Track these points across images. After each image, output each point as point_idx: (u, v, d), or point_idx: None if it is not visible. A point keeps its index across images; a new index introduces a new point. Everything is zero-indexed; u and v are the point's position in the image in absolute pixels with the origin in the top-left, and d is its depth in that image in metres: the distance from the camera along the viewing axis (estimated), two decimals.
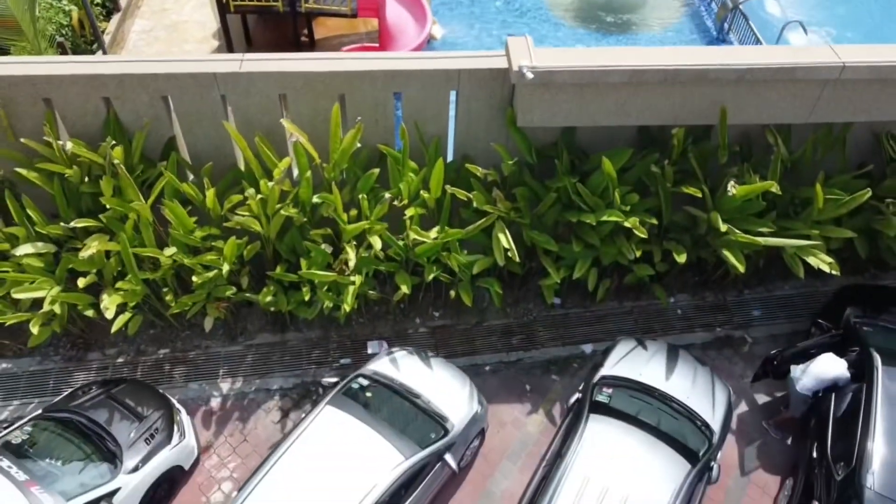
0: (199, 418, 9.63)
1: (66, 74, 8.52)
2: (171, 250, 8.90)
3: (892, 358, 8.78)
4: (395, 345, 10.09)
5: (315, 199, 9.06)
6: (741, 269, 8.97)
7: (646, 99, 8.71)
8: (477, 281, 9.91)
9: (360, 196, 9.02)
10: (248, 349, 10.35)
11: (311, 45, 14.92)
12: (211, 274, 8.96)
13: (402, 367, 9.18)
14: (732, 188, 8.85)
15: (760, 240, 8.83)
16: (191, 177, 9.65)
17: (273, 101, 8.98)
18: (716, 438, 8.59)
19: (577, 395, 9.33)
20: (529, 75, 8.14)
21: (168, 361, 10.16)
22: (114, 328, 8.86)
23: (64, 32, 13.80)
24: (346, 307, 8.91)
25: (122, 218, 8.90)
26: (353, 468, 7.92)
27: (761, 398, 10.09)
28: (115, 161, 8.52)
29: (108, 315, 8.68)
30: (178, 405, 9.23)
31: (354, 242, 9.09)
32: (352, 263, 8.92)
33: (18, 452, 8.03)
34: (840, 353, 8.97)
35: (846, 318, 9.54)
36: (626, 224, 8.89)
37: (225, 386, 9.95)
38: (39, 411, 8.68)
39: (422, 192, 9.15)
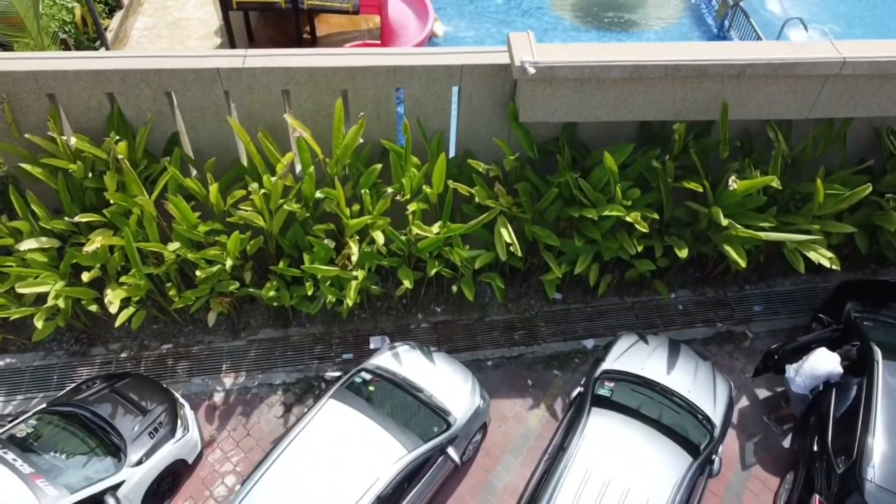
0: (203, 413, 9.67)
1: (70, 70, 8.56)
2: (174, 245, 8.94)
3: (893, 352, 8.82)
4: (398, 340, 10.13)
5: (318, 195, 9.11)
6: (742, 264, 9.00)
7: (647, 94, 8.75)
8: (479, 276, 9.96)
9: (363, 191, 9.06)
10: (251, 344, 10.39)
11: (313, 43, 14.97)
12: (214, 269, 9.00)
13: (404, 361, 9.22)
14: (733, 183, 8.88)
15: (762, 234, 8.87)
16: (194, 172, 9.71)
17: (276, 97, 9.02)
18: (717, 432, 8.63)
19: (578, 389, 9.37)
20: (531, 70, 8.17)
21: (171, 356, 10.20)
22: (117, 323, 8.90)
23: (67, 29, 13.86)
24: (349, 301, 8.94)
25: (126, 213, 8.94)
26: (356, 461, 7.96)
27: (762, 393, 10.14)
28: (119, 156, 8.56)
29: (112, 309, 8.71)
30: (181, 399, 9.27)
31: (357, 237, 9.12)
32: (354, 258, 8.95)
33: (23, 446, 8.08)
34: (833, 347, 9.00)
35: (847, 313, 9.59)
36: (628, 219, 8.93)
37: (228, 380, 9.99)
38: (44, 405, 8.72)
39: (424, 187, 9.18)
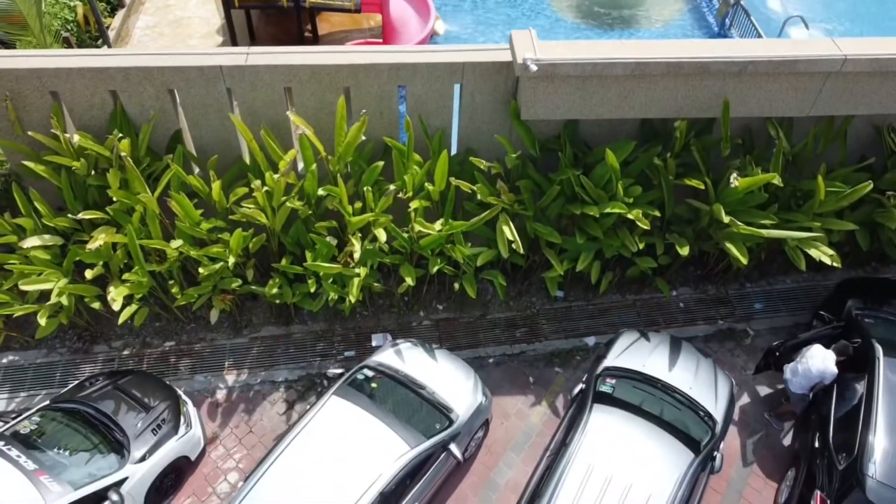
0: (205, 410, 9.70)
1: (73, 67, 8.58)
2: (177, 242, 8.96)
3: (894, 349, 8.84)
4: (400, 337, 10.15)
5: (320, 192, 9.13)
6: (744, 261, 9.02)
7: (649, 91, 8.76)
8: (481, 273, 9.99)
9: (365, 188, 9.08)
10: (254, 341, 10.42)
11: (315, 41, 14.99)
12: (217, 266, 9.02)
13: (406, 358, 9.24)
14: (735, 180, 8.90)
15: (763, 232, 8.89)
16: (196, 169, 9.73)
17: (279, 94, 9.04)
18: (718, 428, 8.66)
19: (580, 386, 9.40)
20: (533, 68, 8.19)
21: (174, 353, 10.22)
22: (120, 320, 8.92)
23: (69, 28, 13.88)
24: (352, 298, 8.96)
25: (129, 210, 8.96)
26: (359, 458, 7.98)
27: (763, 390, 10.16)
28: (122, 154, 8.58)
29: (115, 307, 8.73)
30: (184, 396, 9.29)
31: (359, 234, 9.14)
32: (357, 255, 8.97)
33: (27, 442, 8.10)
34: (831, 344, 9.01)
35: (847, 310, 9.61)
36: (629, 216, 8.95)
37: (230, 378, 10.02)
38: (47, 402, 8.75)
39: (426, 184, 9.20)
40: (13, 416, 8.66)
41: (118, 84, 8.78)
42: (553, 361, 10.39)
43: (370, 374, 9.02)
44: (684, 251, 9.36)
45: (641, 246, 9.39)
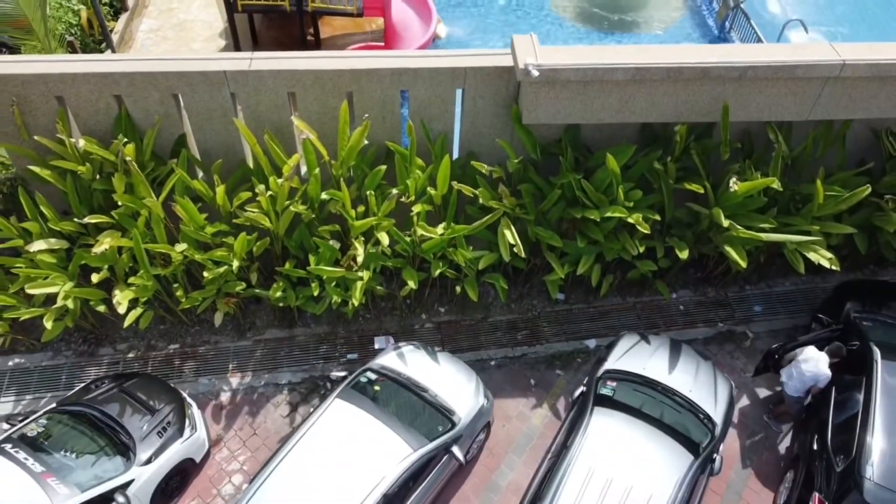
0: (210, 412, 9.77)
1: (79, 72, 8.66)
2: (181, 246, 9.04)
3: (892, 352, 8.91)
4: (402, 340, 10.23)
5: (323, 196, 9.21)
6: (743, 264, 9.09)
7: (649, 96, 8.84)
8: (482, 276, 10.06)
9: (368, 192, 9.15)
10: (257, 344, 10.49)
11: (317, 45, 15.05)
12: (221, 270, 9.10)
13: (409, 361, 9.32)
14: (734, 184, 8.97)
15: (762, 235, 8.96)
16: (201, 174, 9.80)
17: (282, 99, 9.12)
18: (718, 431, 8.72)
19: (581, 389, 9.47)
20: (535, 73, 8.26)
21: (178, 356, 10.30)
22: (126, 323, 9.01)
23: (73, 32, 13.94)
24: (355, 301, 9.03)
25: (134, 214, 9.04)
26: (362, 460, 8.05)
27: (762, 392, 10.23)
28: (127, 158, 8.65)
29: (121, 310, 8.81)
30: (189, 399, 9.36)
31: (362, 238, 9.21)
32: (360, 259, 9.04)
33: (34, 445, 8.19)
34: (822, 346, 9.07)
35: (846, 313, 9.68)
36: (630, 220, 9.02)
37: (234, 380, 10.09)
38: (53, 405, 8.82)
39: (428, 188, 9.28)
40: (20, 419, 8.73)
41: (123, 89, 8.86)
42: (554, 364, 10.46)
43: (373, 376, 9.09)
44: (684, 255, 9.43)
45: (642, 249, 9.46)
